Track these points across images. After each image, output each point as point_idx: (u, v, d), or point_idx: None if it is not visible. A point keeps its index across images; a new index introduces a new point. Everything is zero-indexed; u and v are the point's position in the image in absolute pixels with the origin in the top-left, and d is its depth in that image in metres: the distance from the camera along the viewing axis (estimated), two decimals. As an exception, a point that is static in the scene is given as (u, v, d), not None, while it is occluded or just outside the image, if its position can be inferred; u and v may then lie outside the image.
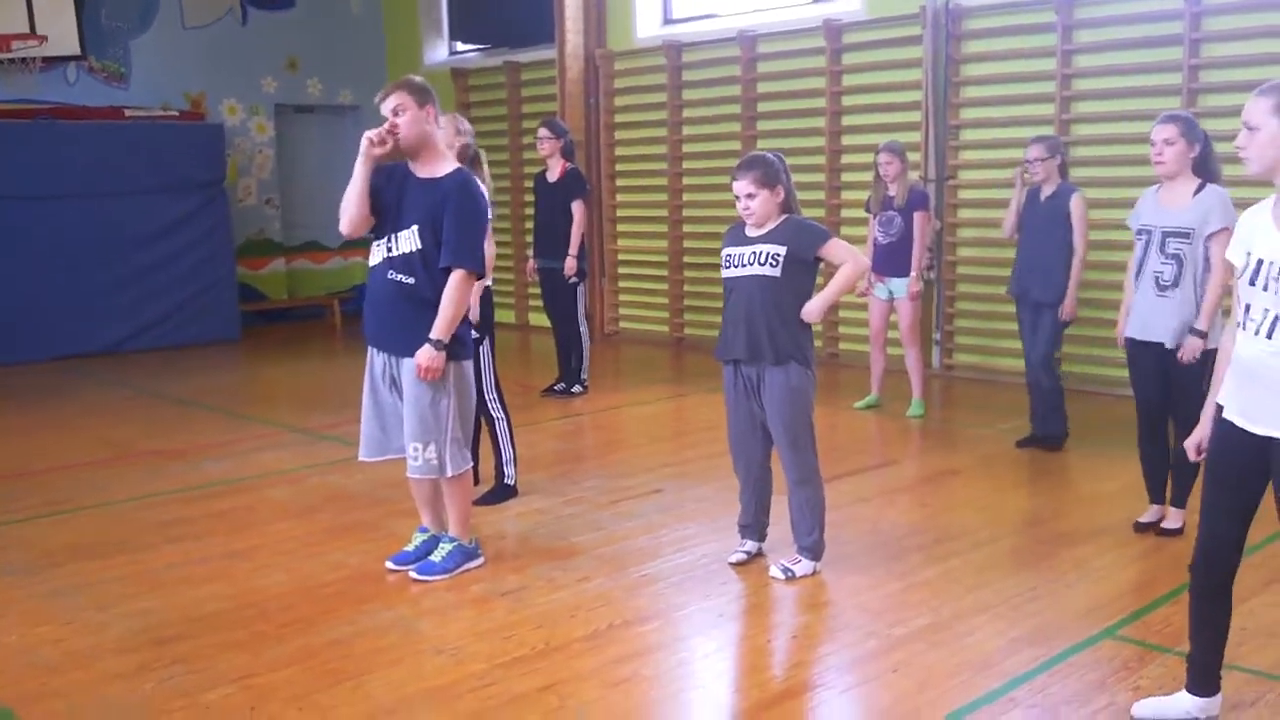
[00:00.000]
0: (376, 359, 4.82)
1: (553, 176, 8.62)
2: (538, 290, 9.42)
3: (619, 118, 11.89)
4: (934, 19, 9.13)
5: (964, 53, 9.24)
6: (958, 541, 5.28)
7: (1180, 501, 5.30)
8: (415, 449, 4.72)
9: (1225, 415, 3.29)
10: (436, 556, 4.90)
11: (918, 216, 7.66)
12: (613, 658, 4.08)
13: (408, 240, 4.64)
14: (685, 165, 11.34)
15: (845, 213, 9.91)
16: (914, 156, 8.93)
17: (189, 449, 7.40)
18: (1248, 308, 3.20)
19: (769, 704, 3.73)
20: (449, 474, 4.77)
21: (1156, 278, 5.07)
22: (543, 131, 8.62)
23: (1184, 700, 3.47)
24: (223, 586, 4.85)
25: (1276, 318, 3.11)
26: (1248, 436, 3.21)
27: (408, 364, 4.66)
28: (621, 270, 12.16)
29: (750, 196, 4.67)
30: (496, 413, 5.98)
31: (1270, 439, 3.15)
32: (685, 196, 11.35)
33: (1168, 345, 5.07)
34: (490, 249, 5.39)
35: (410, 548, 5.02)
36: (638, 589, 4.75)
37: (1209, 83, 7.99)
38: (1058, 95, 8.61)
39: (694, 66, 11.14)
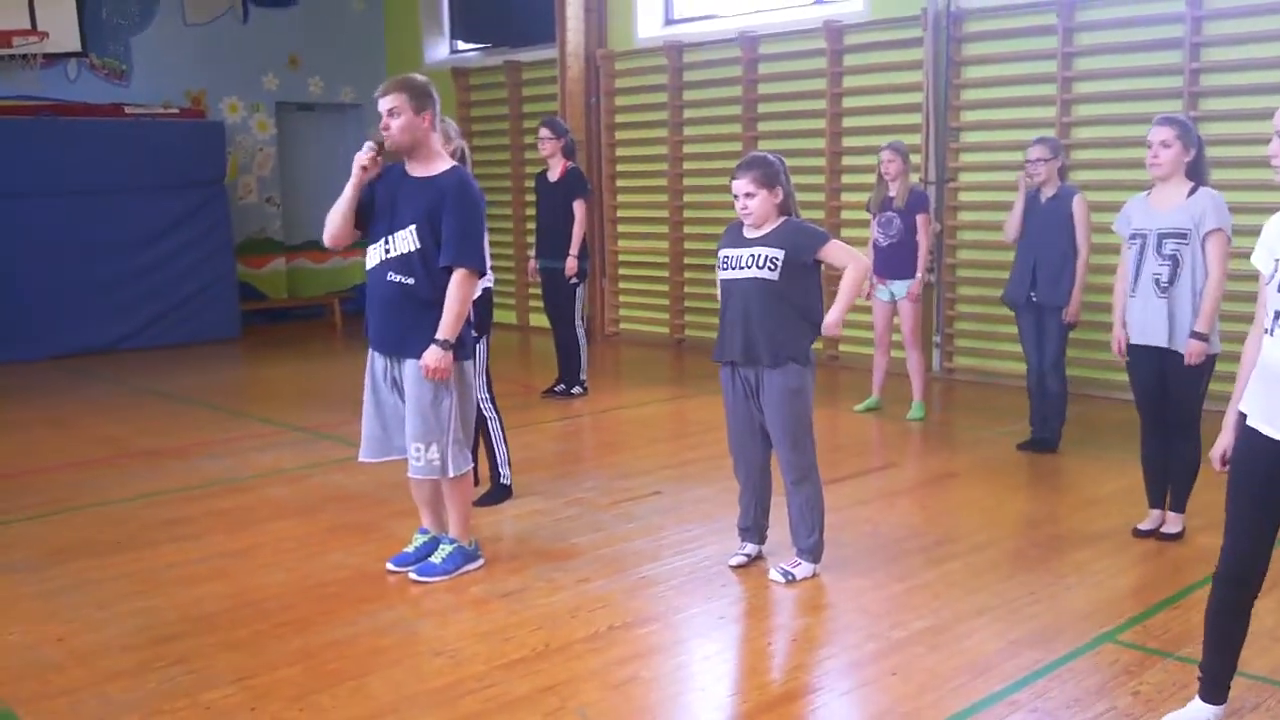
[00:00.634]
0: (378, 360, 4.82)
1: (554, 176, 8.62)
2: (538, 291, 9.42)
3: (620, 118, 11.89)
4: (935, 21, 9.14)
5: (965, 55, 9.25)
6: (958, 544, 5.29)
7: (1180, 506, 5.31)
8: (417, 449, 4.72)
9: (1249, 423, 3.25)
10: (437, 558, 4.90)
11: (919, 219, 7.66)
12: (612, 659, 4.08)
13: (405, 240, 4.63)
14: (686, 166, 11.34)
15: (845, 214, 9.92)
16: (914, 159, 8.93)
17: (189, 448, 7.40)
18: (1276, 314, 3.17)
19: (769, 707, 3.73)
20: (450, 475, 4.77)
21: (1155, 279, 5.07)
22: (544, 131, 8.61)
23: (1204, 710, 3.45)
24: (223, 586, 4.85)
25: None
26: (1273, 444, 3.17)
27: (410, 365, 4.66)
28: (622, 271, 12.16)
29: (749, 196, 4.66)
30: (489, 413, 5.97)
31: None
32: (686, 197, 11.35)
33: (1166, 346, 5.06)
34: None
35: (410, 549, 5.02)
36: (638, 591, 4.75)
37: (1210, 86, 8.00)
38: (1058, 98, 8.61)
39: (695, 67, 11.15)
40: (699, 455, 6.97)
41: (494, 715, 3.66)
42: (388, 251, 4.67)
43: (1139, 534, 5.35)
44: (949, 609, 4.49)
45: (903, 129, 9.25)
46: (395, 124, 4.60)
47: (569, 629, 4.34)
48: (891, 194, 7.72)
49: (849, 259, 4.73)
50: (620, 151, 11.97)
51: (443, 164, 4.72)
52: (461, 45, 14.04)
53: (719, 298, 4.89)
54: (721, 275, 4.81)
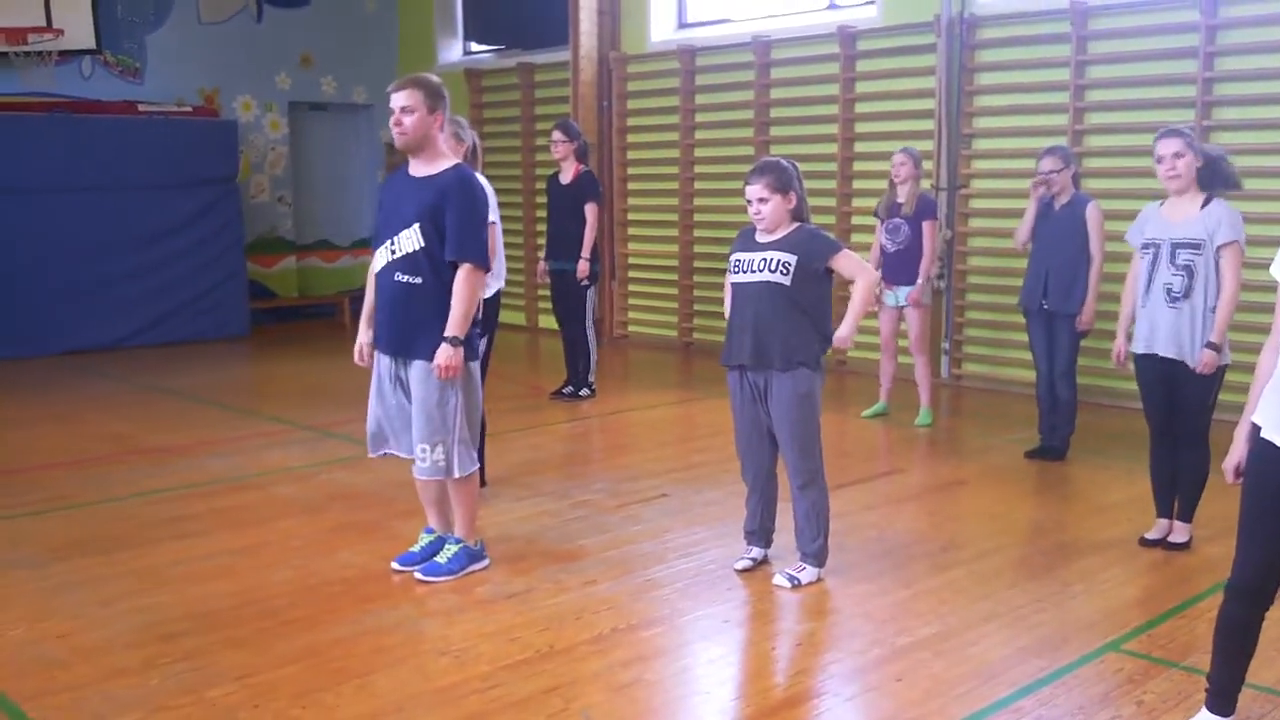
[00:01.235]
0: (383, 360, 4.82)
1: (566, 179, 8.63)
2: (547, 292, 9.42)
3: (632, 121, 11.89)
4: (948, 28, 9.12)
5: (977, 62, 9.23)
6: (964, 551, 5.28)
7: (1187, 516, 5.29)
8: (423, 450, 4.72)
9: (1264, 435, 3.21)
10: (442, 558, 4.90)
11: (926, 226, 7.65)
12: (617, 661, 4.08)
13: (409, 240, 4.64)
14: (697, 170, 11.34)
15: (856, 220, 9.90)
16: (926, 165, 8.92)
17: (196, 445, 7.41)
18: None
19: (772, 711, 3.72)
20: (456, 475, 4.77)
21: (1167, 289, 5.05)
22: (557, 134, 8.61)
23: None
24: (228, 583, 4.86)
25: None
26: None
27: (416, 366, 4.66)
28: (631, 274, 12.16)
29: (763, 201, 4.66)
30: None
31: None
32: (696, 201, 11.35)
33: (1175, 358, 5.04)
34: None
35: (416, 548, 5.02)
36: (643, 593, 4.75)
37: (1223, 96, 7.97)
38: (1071, 106, 8.59)
39: (707, 71, 11.15)
40: (706, 458, 6.96)
41: (498, 715, 3.66)
42: (393, 252, 4.68)
43: (1146, 543, 5.33)
44: (955, 615, 4.48)
45: (915, 135, 9.23)
46: (408, 121, 4.61)
47: (574, 630, 4.34)
48: (900, 200, 7.70)
49: (859, 271, 4.73)
50: (632, 155, 11.97)
51: (445, 163, 4.73)
52: (475, 47, 14.05)
53: (724, 302, 4.88)
54: (733, 279, 4.81)
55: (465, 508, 4.91)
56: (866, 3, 9.98)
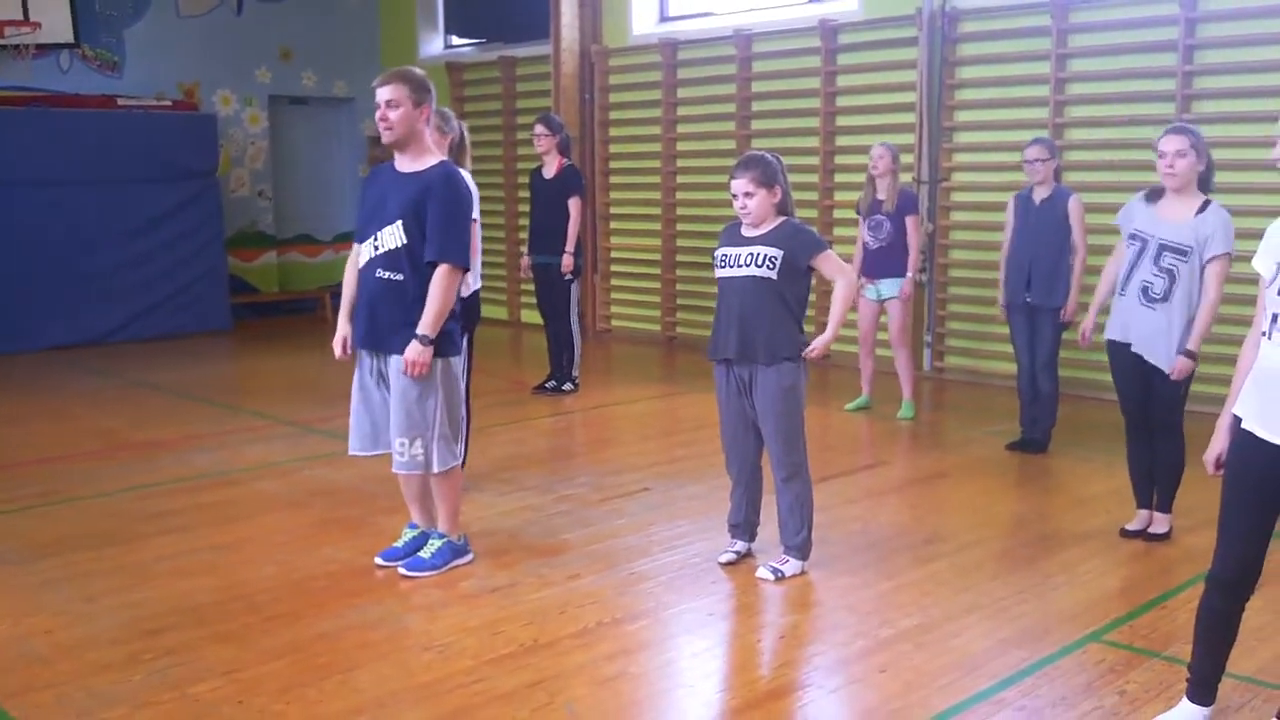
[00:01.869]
0: (365, 356, 4.80)
1: (549, 173, 8.62)
2: (530, 287, 9.41)
3: (614, 114, 11.89)
4: (929, 21, 9.15)
5: (959, 55, 9.26)
6: (946, 543, 5.30)
7: (1166, 507, 5.32)
8: (401, 444, 4.71)
9: (1245, 426, 3.23)
10: (425, 553, 4.90)
11: (909, 220, 7.67)
12: (601, 655, 4.09)
13: (392, 236, 4.62)
14: (679, 164, 11.34)
15: (838, 213, 9.93)
16: (907, 158, 8.95)
17: (179, 440, 7.39)
18: (1275, 317, 3.16)
19: (757, 703, 3.74)
20: (435, 470, 4.76)
21: (1146, 288, 5.02)
22: (539, 128, 8.60)
23: (1193, 712, 3.45)
24: (212, 579, 4.85)
25: None
26: (1269, 447, 3.16)
27: (395, 360, 4.65)
28: (614, 268, 12.16)
29: (748, 195, 4.67)
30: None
31: None
32: (679, 195, 11.36)
33: (1158, 365, 5.04)
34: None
35: (399, 544, 5.02)
36: (627, 587, 4.76)
37: (1203, 89, 8.02)
38: (1052, 99, 8.62)
39: (689, 64, 11.15)
40: (689, 452, 6.98)
41: (482, 710, 3.66)
42: (376, 249, 4.66)
43: (1126, 534, 5.37)
44: (937, 607, 4.50)
45: (896, 129, 9.27)
46: (394, 115, 4.59)
47: (558, 624, 4.35)
48: (880, 196, 7.72)
49: (840, 273, 4.75)
50: (614, 148, 11.97)
51: (432, 159, 4.71)
52: (456, 40, 14.01)
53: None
54: (719, 273, 4.82)
55: (448, 503, 4.91)
56: (848, -4, 10.01)
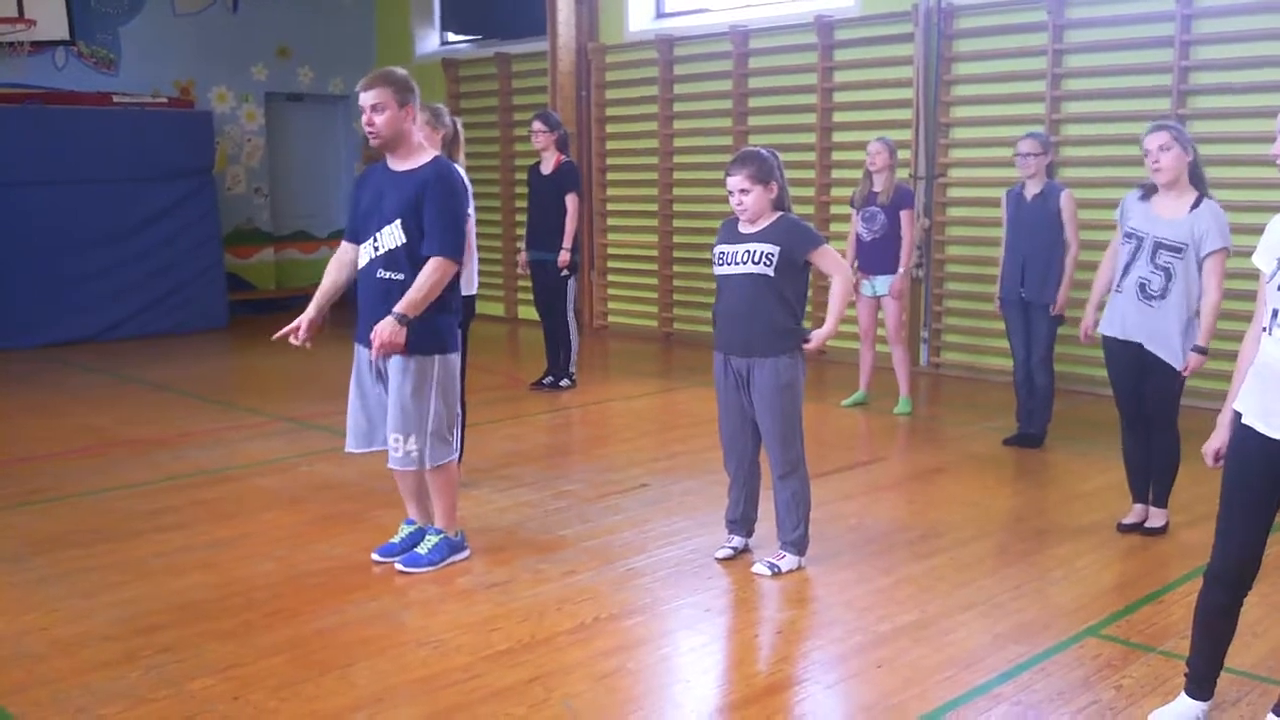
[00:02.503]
0: (363, 353, 4.80)
1: (547, 169, 8.61)
2: (527, 283, 9.41)
3: (610, 111, 11.88)
4: (926, 17, 9.15)
5: (955, 51, 9.26)
6: (943, 539, 5.30)
7: (1162, 501, 5.33)
8: (396, 440, 4.70)
9: (1245, 421, 3.23)
10: (422, 549, 4.90)
11: (904, 215, 7.67)
12: (598, 651, 4.09)
13: (391, 236, 4.62)
14: (676, 160, 11.34)
15: (834, 209, 9.93)
16: (904, 154, 8.94)
17: (176, 437, 7.38)
18: (1275, 313, 3.15)
19: (754, 699, 3.74)
20: (428, 466, 4.76)
21: (1143, 285, 5.03)
22: (537, 125, 8.60)
23: (1190, 706, 3.46)
24: (209, 576, 4.84)
25: None
26: (1269, 442, 3.16)
27: (394, 360, 4.64)
28: (611, 264, 12.16)
29: (744, 192, 4.67)
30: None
31: None
32: (675, 191, 11.35)
33: (1171, 362, 5.03)
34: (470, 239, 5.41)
35: (396, 540, 5.02)
36: (624, 583, 4.76)
37: (1199, 85, 8.02)
38: (1048, 95, 8.63)
39: (686, 61, 11.15)
40: (686, 448, 6.98)
41: (479, 706, 3.66)
42: (376, 249, 4.66)
43: (1123, 529, 5.37)
44: (934, 603, 4.50)
45: (893, 125, 9.27)
46: (380, 120, 4.57)
47: (555, 620, 4.35)
48: (876, 189, 7.73)
49: (836, 269, 4.76)
50: (610, 145, 11.96)
51: (424, 156, 4.71)
52: (452, 37, 14.00)
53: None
54: (717, 270, 4.82)
55: (444, 499, 4.91)
56: (844, -8, 10.00)
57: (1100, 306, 5.42)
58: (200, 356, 10.89)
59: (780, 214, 4.74)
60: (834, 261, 4.76)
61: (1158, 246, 4.98)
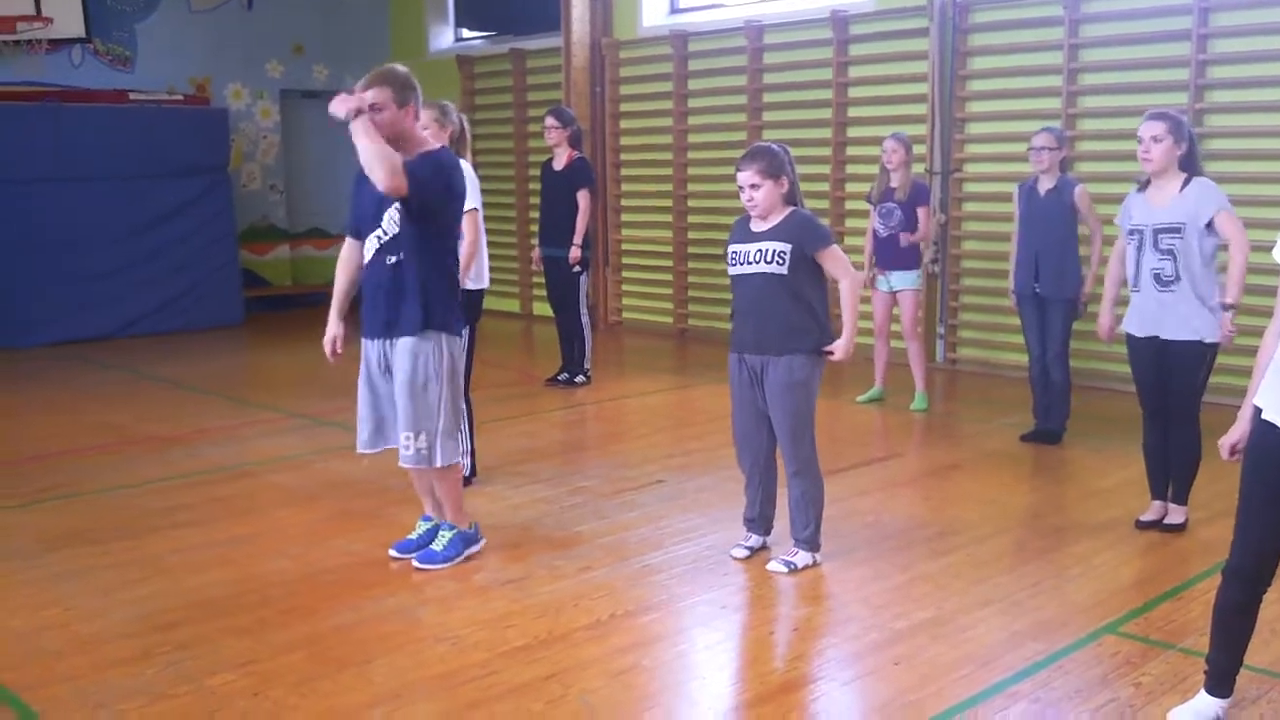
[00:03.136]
0: (371, 349, 4.80)
1: (559, 165, 8.61)
2: (541, 279, 9.42)
3: (624, 107, 11.87)
4: (941, 12, 9.11)
5: (970, 46, 9.22)
6: (960, 535, 5.29)
7: (1182, 498, 5.31)
8: (407, 438, 4.70)
9: (1265, 417, 3.20)
10: (438, 545, 4.90)
11: (921, 211, 7.66)
12: (615, 647, 4.09)
13: (391, 222, 4.63)
14: (690, 155, 11.32)
15: (850, 204, 9.91)
16: (919, 149, 8.91)
17: (192, 434, 7.41)
18: None
19: (770, 696, 3.73)
20: (439, 464, 4.76)
21: (1157, 275, 5.06)
22: (550, 120, 8.60)
23: (1210, 703, 3.44)
24: (226, 572, 4.86)
25: None
26: None
27: (400, 346, 4.64)
28: (625, 260, 12.15)
29: (754, 187, 4.65)
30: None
31: None
32: (690, 187, 11.33)
33: (1206, 340, 5.03)
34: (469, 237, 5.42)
35: (413, 535, 5.03)
36: (640, 579, 4.76)
37: (1216, 79, 7.97)
38: (1064, 90, 8.59)
39: (700, 56, 11.12)
40: (702, 445, 6.97)
41: (496, 702, 3.66)
42: (380, 239, 4.67)
43: (1141, 525, 5.35)
44: (951, 600, 4.49)
45: (908, 119, 9.22)
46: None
47: (571, 617, 4.35)
48: (893, 185, 7.71)
49: (843, 272, 4.73)
50: (625, 141, 11.95)
51: (428, 149, 4.71)
52: (466, 33, 14.01)
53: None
54: (731, 271, 4.81)
55: (450, 496, 4.91)
56: (859, -13, 9.98)
57: (1116, 303, 5.42)
58: (215, 353, 10.92)
59: (792, 209, 4.73)
60: (840, 264, 4.73)
61: (1158, 233, 5.05)
